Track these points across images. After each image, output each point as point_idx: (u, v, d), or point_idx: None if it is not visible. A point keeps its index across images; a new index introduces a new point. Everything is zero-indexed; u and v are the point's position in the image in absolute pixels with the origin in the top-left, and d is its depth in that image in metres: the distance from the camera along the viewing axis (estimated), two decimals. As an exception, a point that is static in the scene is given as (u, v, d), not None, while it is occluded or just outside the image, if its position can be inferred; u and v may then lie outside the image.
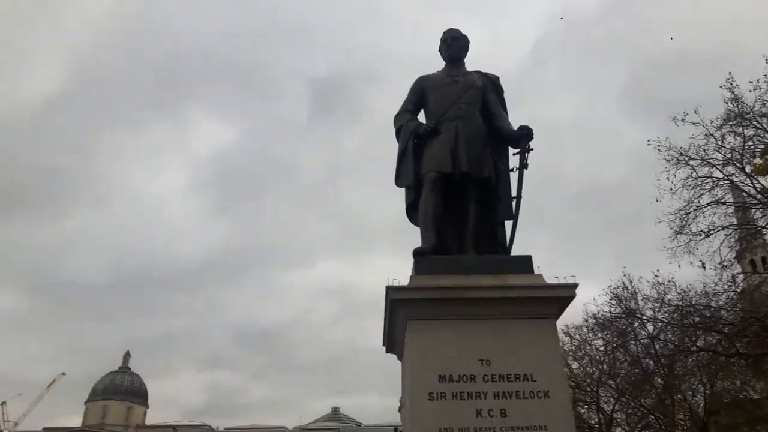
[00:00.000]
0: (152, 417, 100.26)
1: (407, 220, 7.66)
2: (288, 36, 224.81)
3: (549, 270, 6.31)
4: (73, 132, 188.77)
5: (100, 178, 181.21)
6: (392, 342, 7.23)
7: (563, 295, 6.16)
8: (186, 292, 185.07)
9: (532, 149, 7.19)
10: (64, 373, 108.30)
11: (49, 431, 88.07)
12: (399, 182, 7.66)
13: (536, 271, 6.50)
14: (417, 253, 6.76)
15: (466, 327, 6.20)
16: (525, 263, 6.58)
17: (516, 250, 7.03)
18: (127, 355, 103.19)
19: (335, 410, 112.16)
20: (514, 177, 7.37)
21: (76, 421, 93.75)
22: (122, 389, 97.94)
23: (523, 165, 7.18)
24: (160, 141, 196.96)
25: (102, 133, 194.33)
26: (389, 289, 6.29)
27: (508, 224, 7.35)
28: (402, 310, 6.36)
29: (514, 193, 7.29)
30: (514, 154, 7.42)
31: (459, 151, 7.24)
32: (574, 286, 6.14)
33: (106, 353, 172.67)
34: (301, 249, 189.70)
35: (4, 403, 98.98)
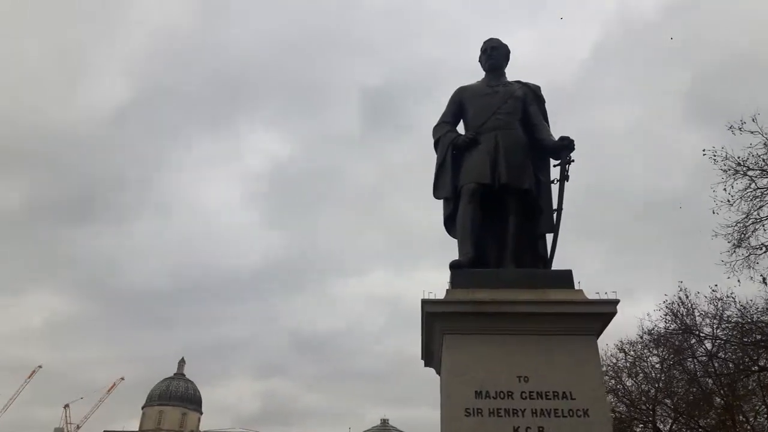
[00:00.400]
0: (206, 423, 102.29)
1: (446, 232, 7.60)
2: (341, 48, 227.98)
3: (597, 284, 6.16)
4: (136, 144, 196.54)
5: (161, 189, 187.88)
6: (430, 355, 7.17)
7: (604, 311, 5.98)
8: (242, 302, 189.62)
9: (573, 160, 7.04)
10: (123, 378, 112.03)
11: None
12: (437, 194, 7.60)
13: (577, 287, 6.33)
14: (453, 266, 6.68)
15: (504, 342, 6.09)
16: (565, 278, 6.42)
17: (563, 263, 6.86)
18: (182, 362, 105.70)
19: (384, 422, 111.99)
20: (555, 189, 7.23)
21: (134, 426, 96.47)
22: (177, 395, 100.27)
23: (564, 176, 7.02)
24: (216, 152, 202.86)
25: (163, 145, 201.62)
26: (424, 303, 6.24)
27: (550, 237, 7.20)
28: (437, 324, 6.30)
29: (555, 205, 7.14)
30: (555, 166, 7.27)
31: (498, 162, 7.13)
32: (616, 302, 5.95)
33: (162, 360, 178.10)
34: (353, 259, 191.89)
35: (67, 405, 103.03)
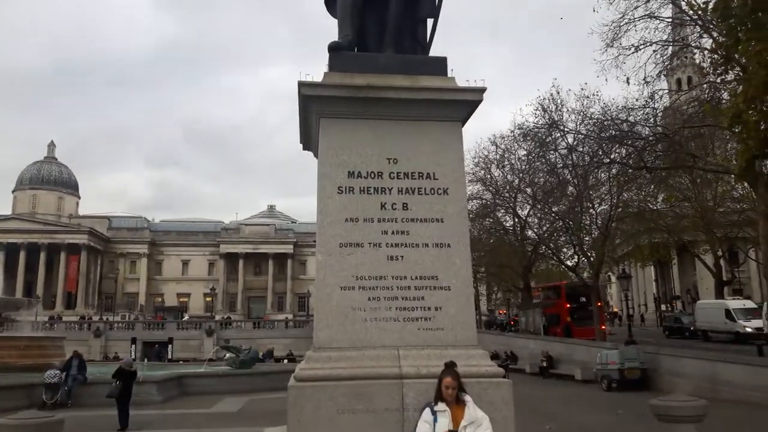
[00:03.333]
0: (90, 208, 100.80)
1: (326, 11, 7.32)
2: None
3: (471, 74, 6.31)
4: None
5: None
6: (308, 139, 7.29)
7: (471, 98, 6.23)
8: (132, 89, 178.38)
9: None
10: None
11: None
12: None
13: (450, 74, 6.50)
14: (332, 48, 6.54)
15: (377, 126, 6.29)
16: (439, 65, 6.53)
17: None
18: (51, 145, 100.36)
19: (271, 208, 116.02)
20: None
21: (5, 210, 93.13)
22: (50, 179, 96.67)
23: None
24: None
25: None
26: (301, 85, 6.18)
27: (431, 23, 7.14)
28: (314, 107, 6.34)
29: None
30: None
31: None
32: (482, 90, 6.21)
33: (39, 146, 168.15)
34: (255, 51, 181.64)
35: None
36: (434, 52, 6.91)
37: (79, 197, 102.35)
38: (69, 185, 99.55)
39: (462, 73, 6.37)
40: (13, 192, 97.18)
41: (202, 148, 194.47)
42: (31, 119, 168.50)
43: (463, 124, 6.50)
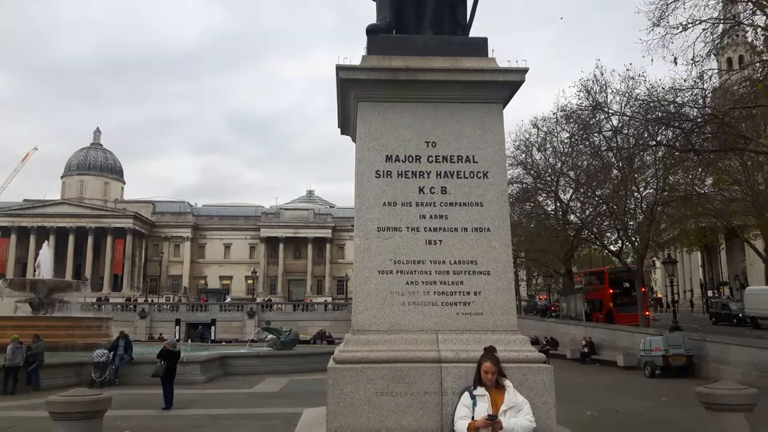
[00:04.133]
0: (136, 194, 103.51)
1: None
2: None
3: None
4: None
5: None
6: (346, 123, 7.27)
7: (512, 79, 6.09)
8: (180, 78, 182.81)
9: None
10: (36, 148, 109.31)
11: (28, 202, 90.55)
12: None
13: (490, 55, 6.37)
14: (370, 31, 6.48)
15: (415, 109, 6.22)
16: (480, 46, 6.40)
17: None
18: (97, 132, 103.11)
19: (310, 193, 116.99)
20: None
21: (55, 196, 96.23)
22: (96, 165, 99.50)
23: None
24: None
25: None
26: (339, 69, 6.14)
27: (470, 4, 7.00)
28: (352, 91, 6.30)
29: None
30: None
31: None
32: (524, 70, 6.06)
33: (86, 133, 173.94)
34: (299, 39, 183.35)
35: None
36: (475, 33, 6.77)
37: (124, 182, 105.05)
38: (114, 171, 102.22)
39: (507, 57, 6.23)
40: (61, 178, 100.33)
41: (246, 135, 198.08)
42: (80, 109, 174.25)
43: (504, 106, 6.37)
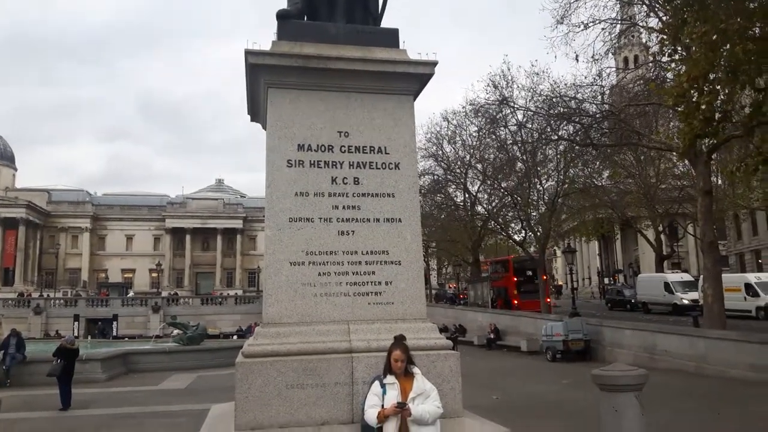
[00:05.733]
0: (36, 182, 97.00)
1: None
2: None
3: (412, 45, 6.21)
4: None
5: None
6: (256, 110, 7.09)
7: (423, 71, 6.15)
8: (87, 60, 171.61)
9: None
10: None
11: None
12: None
13: (401, 47, 6.40)
14: (280, 16, 6.34)
15: (328, 98, 6.16)
16: (392, 36, 6.42)
17: (392, 23, 6.72)
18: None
19: (219, 182, 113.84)
20: None
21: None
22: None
23: None
24: None
25: None
26: (248, 53, 5.96)
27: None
28: (262, 77, 6.14)
29: None
30: None
31: None
32: (434, 63, 6.14)
33: (2, 120, 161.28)
34: (220, 24, 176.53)
35: None
36: (389, 26, 6.77)
37: (16, 169, 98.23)
38: (5, 156, 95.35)
39: (423, 53, 6.26)
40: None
41: (157, 123, 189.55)
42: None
43: (415, 98, 6.43)
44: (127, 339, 41.65)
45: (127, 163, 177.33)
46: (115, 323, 52.28)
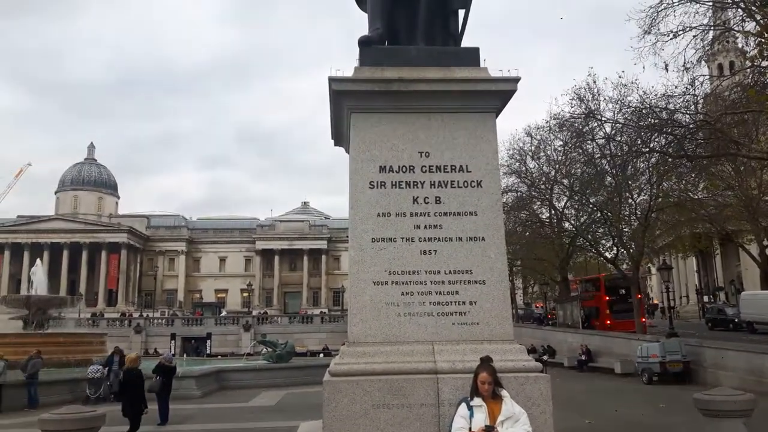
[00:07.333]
0: (138, 209, 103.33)
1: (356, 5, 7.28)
2: None
3: (497, 61, 6.18)
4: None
5: None
6: (339, 134, 7.27)
7: (504, 88, 6.12)
8: (190, 94, 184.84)
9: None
10: (30, 164, 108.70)
11: (22, 218, 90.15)
12: None
13: (482, 64, 6.39)
14: (362, 43, 6.50)
15: (408, 119, 6.23)
16: (472, 55, 6.42)
17: (473, 41, 6.72)
18: (91, 147, 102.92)
19: (305, 204, 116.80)
20: None
21: (49, 211, 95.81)
22: (91, 180, 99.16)
23: None
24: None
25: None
26: (331, 80, 6.15)
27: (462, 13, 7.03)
28: (345, 102, 6.31)
29: None
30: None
31: None
32: (516, 80, 6.08)
33: (110, 152, 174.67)
34: (310, 57, 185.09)
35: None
36: (468, 44, 6.79)
37: (119, 197, 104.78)
38: (108, 185, 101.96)
39: (506, 68, 6.23)
40: (55, 193, 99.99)
41: (252, 150, 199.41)
42: (87, 127, 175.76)
43: (497, 115, 6.39)
44: (219, 357, 43.12)
45: (225, 188, 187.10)
46: (208, 341, 54.34)
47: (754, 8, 18.91)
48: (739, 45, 26.71)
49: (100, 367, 20.54)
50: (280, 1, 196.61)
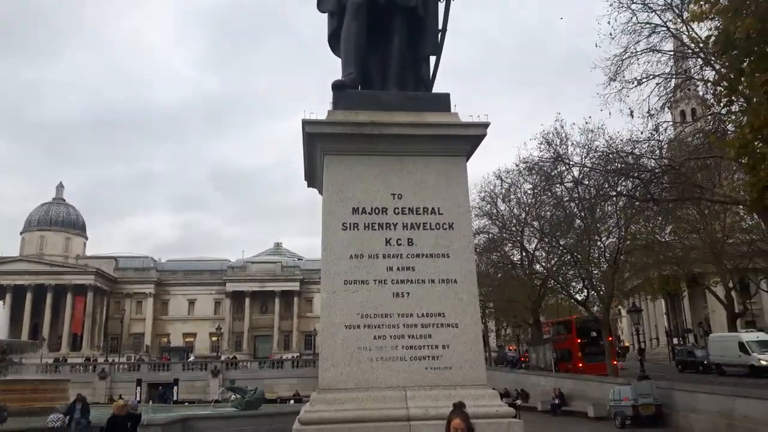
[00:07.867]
0: (106, 251, 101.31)
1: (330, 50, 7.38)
2: None
3: (470, 109, 6.30)
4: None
5: (89, 22, 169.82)
6: (312, 176, 7.28)
7: (475, 133, 6.23)
8: (166, 136, 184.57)
9: (459, -21, 6.85)
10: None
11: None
12: (321, 7, 7.25)
13: (453, 110, 6.49)
14: (336, 87, 6.58)
15: (381, 162, 6.28)
16: (443, 101, 6.54)
17: (445, 88, 6.90)
18: (60, 186, 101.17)
19: (278, 245, 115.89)
20: (442, 9, 7.08)
21: (13, 252, 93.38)
22: (58, 220, 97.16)
23: None
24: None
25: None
26: (305, 123, 6.18)
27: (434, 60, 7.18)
28: (318, 145, 6.34)
29: (441, 26, 7.05)
30: (443, -16, 7.06)
31: None
32: (486, 125, 6.19)
33: (81, 193, 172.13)
34: (285, 100, 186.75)
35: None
36: (439, 90, 6.92)
37: (87, 238, 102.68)
38: (77, 226, 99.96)
39: (479, 115, 6.35)
40: (21, 233, 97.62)
41: (223, 193, 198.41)
42: (57, 169, 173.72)
43: (468, 159, 6.47)
44: (186, 404, 41.85)
45: (197, 230, 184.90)
46: (175, 387, 52.71)
47: (713, 57, 19.68)
48: (700, 92, 27.66)
49: (61, 415, 19.74)
50: (257, 47, 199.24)
